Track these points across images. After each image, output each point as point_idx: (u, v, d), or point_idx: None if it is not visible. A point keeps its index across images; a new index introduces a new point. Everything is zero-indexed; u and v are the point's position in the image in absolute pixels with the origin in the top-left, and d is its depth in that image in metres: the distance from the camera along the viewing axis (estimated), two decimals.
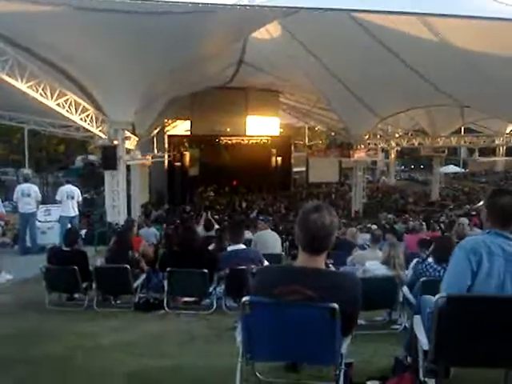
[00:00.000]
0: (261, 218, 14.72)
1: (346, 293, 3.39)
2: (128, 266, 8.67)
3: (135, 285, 8.90)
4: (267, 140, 41.08)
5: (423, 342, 3.66)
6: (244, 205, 37.33)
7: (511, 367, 3.74)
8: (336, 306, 3.27)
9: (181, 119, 39.30)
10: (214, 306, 8.37)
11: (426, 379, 3.58)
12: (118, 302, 9.19)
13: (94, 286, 8.97)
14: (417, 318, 4.03)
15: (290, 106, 43.33)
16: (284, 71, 29.35)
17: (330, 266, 7.01)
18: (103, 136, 20.97)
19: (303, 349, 3.53)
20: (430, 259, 6.74)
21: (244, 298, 3.47)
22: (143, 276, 9.30)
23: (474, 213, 28.21)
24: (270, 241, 10.92)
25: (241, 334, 3.61)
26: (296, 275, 3.42)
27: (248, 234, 11.02)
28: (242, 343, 3.60)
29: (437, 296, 3.43)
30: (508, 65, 18.51)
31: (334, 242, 3.45)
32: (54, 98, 17.52)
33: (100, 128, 20.72)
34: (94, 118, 20.19)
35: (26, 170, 22.55)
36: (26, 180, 16.42)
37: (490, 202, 3.74)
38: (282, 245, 12.95)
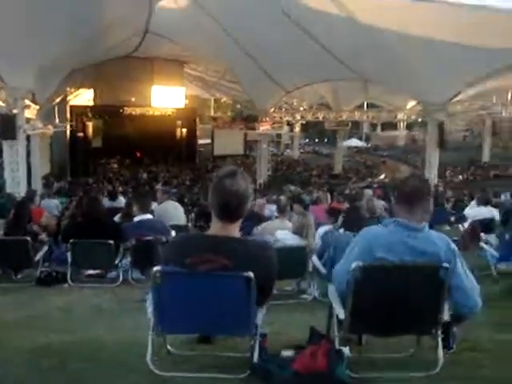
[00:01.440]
0: (161, 188, 14.43)
1: (261, 261, 3.30)
2: (28, 238, 8.34)
3: (37, 258, 8.55)
4: (172, 112, 40.58)
5: (339, 311, 3.63)
6: (148, 176, 36.83)
7: (422, 334, 3.76)
8: (251, 274, 3.18)
9: (84, 88, 38.20)
10: (121, 279, 8.16)
11: (342, 347, 3.55)
12: (19, 276, 8.82)
13: None
14: (331, 287, 3.99)
15: (197, 77, 42.97)
16: (190, 41, 28.99)
17: None
18: (1, 104, 20.11)
19: (217, 320, 3.43)
20: (341, 230, 6.79)
21: (155, 268, 3.33)
22: (45, 249, 8.94)
23: (375, 185, 29.00)
24: (171, 211, 10.64)
25: (151, 305, 3.47)
26: (210, 244, 3.29)
27: (153, 205, 10.79)
28: (153, 315, 3.46)
29: (353, 265, 3.39)
30: (409, 42, 19.04)
31: (248, 210, 3.35)
32: None
33: None
34: None
35: None
36: None
37: (398, 186, 3.72)
38: (188, 216, 12.83)
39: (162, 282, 3.34)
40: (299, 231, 7.44)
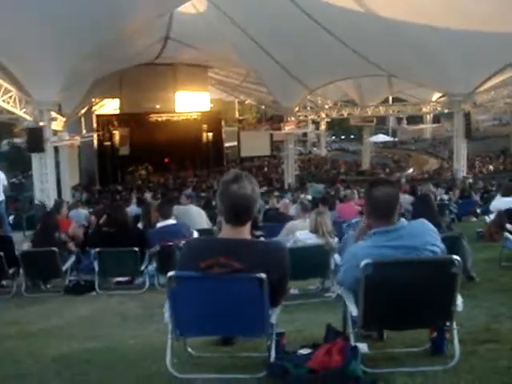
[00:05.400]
0: (185, 193, 14.51)
1: (272, 261, 3.33)
2: (55, 249, 8.45)
3: (64, 268, 8.69)
4: (197, 116, 40.77)
5: (351, 308, 3.66)
6: (177, 182, 37.03)
7: (435, 326, 3.74)
8: (263, 275, 3.21)
9: (109, 97, 38.54)
10: (147, 285, 8.25)
11: (358, 344, 3.56)
12: (48, 286, 8.98)
13: (21, 271, 8.73)
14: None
15: (220, 81, 43.09)
16: (212, 46, 29.05)
17: (261, 238, 6.94)
18: (28, 118, 20.35)
19: (232, 322, 3.48)
20: None
21: (169, 273, 3.39)
22: (72, 258, 9.08)
23: (403, 180, 28.84)
24: (192, 216, 10.59)
25: (169, 310, 3.53)
26: (221, 247, 3.34)
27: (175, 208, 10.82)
28: (171, 319, 3.51)
29: (362, 262, 3.41)
30: (432, 33, 18.87)
31: (257, 211, 3.40)
32: None
33: (24, 109, 20.08)
34: (17, 99, 19.54)
35: None
36: None
37: (368, 195, 3.70)
38: (215, 220, 12.87)
39: (177, 286, 3.40)
40: (316, 229, 7.43)
